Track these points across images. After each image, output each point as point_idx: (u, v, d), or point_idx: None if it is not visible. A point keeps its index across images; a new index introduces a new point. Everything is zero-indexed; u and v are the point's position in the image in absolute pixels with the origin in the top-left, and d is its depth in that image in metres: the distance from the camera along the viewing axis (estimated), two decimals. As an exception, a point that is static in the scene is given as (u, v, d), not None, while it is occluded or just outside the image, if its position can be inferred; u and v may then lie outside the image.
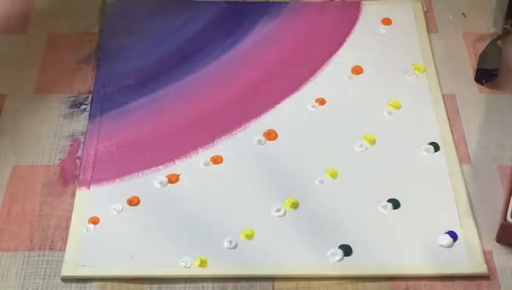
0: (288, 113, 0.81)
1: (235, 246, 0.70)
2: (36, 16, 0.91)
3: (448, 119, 0.81)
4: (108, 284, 0.68)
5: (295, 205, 0.73)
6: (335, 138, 0.79)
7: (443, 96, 0.83)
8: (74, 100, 0.83)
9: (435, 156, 0.78)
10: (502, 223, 0.70)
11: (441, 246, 0.70)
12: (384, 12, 0.92)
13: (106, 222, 0.72)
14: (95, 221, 0.72)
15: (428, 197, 0.74)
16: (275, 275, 0.69)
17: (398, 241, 0.71)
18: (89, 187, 0.75)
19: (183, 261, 0.69)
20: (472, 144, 0.79)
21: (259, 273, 0.69)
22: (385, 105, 0.82)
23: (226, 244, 0.70)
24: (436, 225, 0.72)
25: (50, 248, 0.71)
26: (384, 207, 0.73)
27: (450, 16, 0.92)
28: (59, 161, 0.77)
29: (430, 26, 0.91)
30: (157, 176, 0.76)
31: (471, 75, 0.85)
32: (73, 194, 0.74)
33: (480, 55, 0.87)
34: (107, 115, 0.81)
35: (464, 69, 0.86)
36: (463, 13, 0.92)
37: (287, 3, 0.93)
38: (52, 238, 0.71)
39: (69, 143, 0.79)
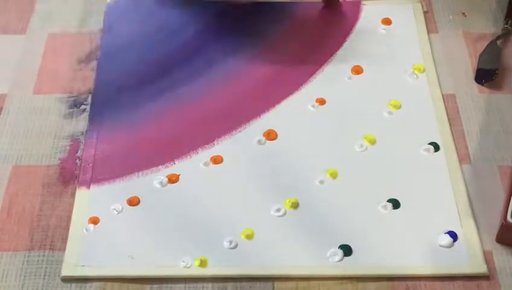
0: (288, 113, 0.81)
1: (235, 246, 0.70)
2: (36, 16, 0.92)
3: (448, 119, 0.81)
4: (108, 284, 0.68)
5: (295, 205, 0.73)
6: (335, 138, 0.79)
7: (443, 96, 0.83)
8: (74, 100, 0.83)
9: (435, 156, 0.78)
10: (502, 223, 0.70)
11: (441, 246, 0.70)
12: (384, 12, 0.92)
13: (106, 222, 0.72)
14: (95, 221, 0.72)
15: (428, 197, 0.74)
16: (275, 275, 0.69)
17: (398, 241, 0.71)
18: (89, 187, 0.75)
19: (183, 261, 0.69)
20: (472, 144, 0.79)
21: (259, 273, 0.69)
22: (385, 105, 0.82)
23: (226, 244, 0.71)
24: (436, 225, 0.72)
25: (50, 248, 0.71)
26: (384, 207, 0.73)
27: (450, 16, 0.92)
28: (59, 161, 0.77)
29: (430, 26, 0.91)
30: (157, 176, 0.76)
31: (471, 75, 0.85)
32: (73, 194, 0.74)
33: (480, 55, 0.87)
34: (107, 115, 0.81)
35: (464, 69, 0.86)
36: (463, 13, 0.92)
37: (287, 3, 0.93)
38: (52, 238, 0.71)
39: (69, 143, 0.79)
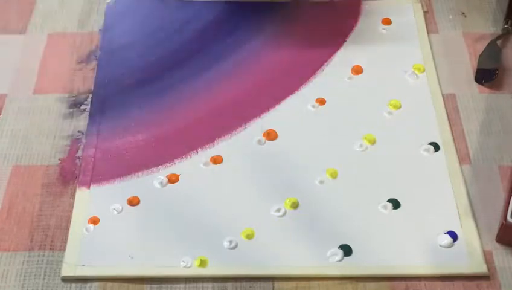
0: (288, 113, 0.81)
1: (235, 246, 0.70)
2: (36, 16, 0.91)
3: (448, 119, 0.81)
4: (109, 284, 0.68)
5: (295, 205, 0.73)
6: (335, 138, 0.79)
7: (443, 96, 0.83)
8: (74, 100, 0.83)
9: (435, 156, 0.78)
10: (502, 223, 0.70)
11: (441, 246, 0.70)
12: (384, 12, 0.92)
13: (106, 222, 0.72)
14: (95, 221, 0.72)
15: (428, 197, 0.74)
16: (275, 275, 0.69)
17: (398, 241, 0.71)
18: (89, 187, 0.75)
19: (183, 261, 0.69)
20: (472, 144, 0.79)
21: (259, 273, 0.69)
22: (385, 105, 0.82)
23: (226, 244, 0.70)
24: (436, 225, 0.72)
25: (50, 248, 0.71)
26: (384, 207, 0.73)
27: (450, 16, 0.92)
28: (59, 161, 0.77)
29: (430, 26, 0.91)
30: (157, 176, 0.76)
31: (471, 75, 0.85)
32: (73, 194, 0.74)
33: (480, 55, 0.87)
34: (107, 115, 0.81)
35: (464, 69, 0.86)
36: (463, 13, 0.92)
37: (287, 3, 0.93)
38: (52, 238, 0.71)
39: (69, 143, 0.79)
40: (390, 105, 0.82)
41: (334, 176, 0.76)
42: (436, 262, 0.69)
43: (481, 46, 0.88)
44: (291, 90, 0.84)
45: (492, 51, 0.87)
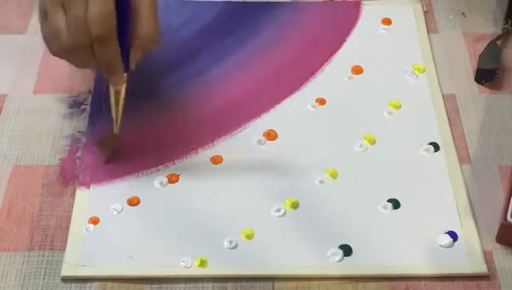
0: (288, 113, 0.81)
1: (235, 246, 0.70)
2: (36, 16, 0.91)
3: (448, 119, 0.81)
4: (109, 284, 0.68)
5: (295, 205, 0.73)
6: (335, 138, 0.79)
7: (443, 96, 0.83)
8: (74, 100, 0.83)
9: (435, 156, 0.78)
10: (502, 223, 0.70)
11: (441, 246, 0.70)
12: (384, 12, 0.92)
13: (106, 222, 0.72)
14: (95, 221, 0.72)
15: (428, 197, 0.74)
16: (275, 275, 0.69)
17: (398, 241, 0.71)
18: (89, 187, 0.75)
19: (183, 261, 0.69)
20: (472, 144, 0.79)
21: (259, 273, 0.69)
22: (385, 105, 0.82)
23: (226, 244, 0.70)
24: (436, 225, 0.72)
25: (50, 248, 0.71)
26: (384, 207, 0.73)
27: (450, 16, 0.92)
28: (59, 161, 0.77)
29: (430, 26, 0.91)
30: (157, 176, 0.76)
31: (471, 75, 0.85)
32: (73, 194, 0.74)
33: (480, 55, 0.87)
34: (107, 115, 0.81)
35: (464, 69, 0.86)
36: (463, 13, 0.92)
37: (287, 3, 0.93)
38: (52, 238, 0.71)
39: (69, 143, 0.79)
40: (390, 105, 0.82)
41: (334, 176, 0.76)
42: (436, 262, 0.69)
43: (481, 46, 0.88)
44: (291, 90, 0.84)
45: (492, 51, 0.87)
